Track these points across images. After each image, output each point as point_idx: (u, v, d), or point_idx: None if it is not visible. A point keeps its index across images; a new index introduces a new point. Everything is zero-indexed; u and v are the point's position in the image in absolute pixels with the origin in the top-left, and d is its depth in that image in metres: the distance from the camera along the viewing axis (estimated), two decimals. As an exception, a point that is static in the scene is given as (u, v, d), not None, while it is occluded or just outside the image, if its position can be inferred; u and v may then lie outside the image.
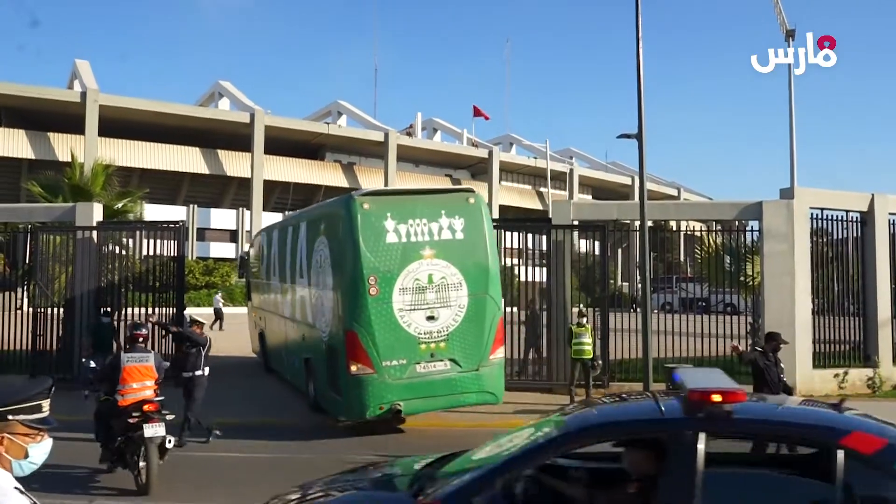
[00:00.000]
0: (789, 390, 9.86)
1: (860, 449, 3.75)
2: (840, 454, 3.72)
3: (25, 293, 17.94)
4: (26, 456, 2.45)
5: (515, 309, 16.43)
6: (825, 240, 16.80)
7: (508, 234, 17.07)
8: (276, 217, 51.74)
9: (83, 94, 46.71)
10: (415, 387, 10.81)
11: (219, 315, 29.25)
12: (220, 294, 33.36)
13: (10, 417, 2.42)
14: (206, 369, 11.23)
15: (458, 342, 11.07)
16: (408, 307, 10.81)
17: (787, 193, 16.01)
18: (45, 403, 2.50)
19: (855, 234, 16.64)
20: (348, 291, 10.86)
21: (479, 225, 11.43)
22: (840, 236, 16.77)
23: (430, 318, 10.94)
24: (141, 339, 9.35)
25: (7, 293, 19.58)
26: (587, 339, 14.32)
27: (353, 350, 10.63)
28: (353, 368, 10.56)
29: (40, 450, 2.49)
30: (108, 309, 15.51)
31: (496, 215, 57.52)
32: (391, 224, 10.87)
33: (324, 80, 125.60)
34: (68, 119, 45.88)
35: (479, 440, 4.95)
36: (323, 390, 12.13)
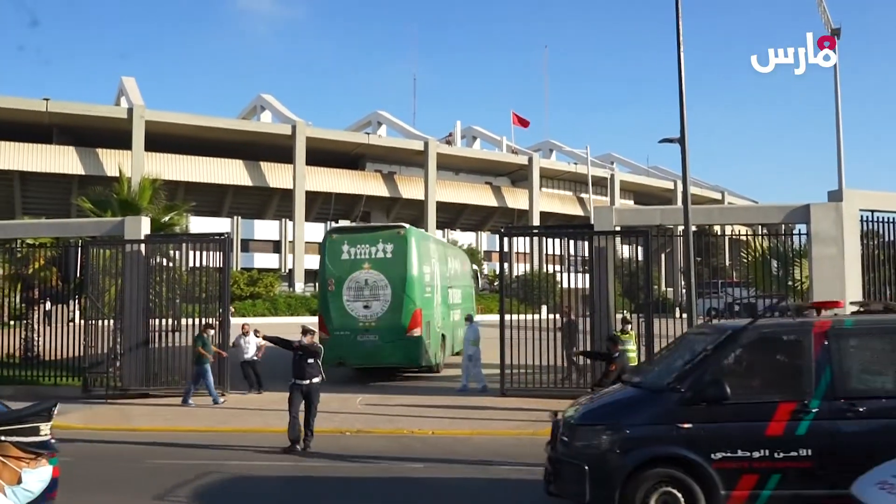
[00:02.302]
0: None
1: None
2: None
3: (77, 306, 18.38)
4: (20, 481, 2.28)
5: (557, 316, 16.31)
6: (876, 242, 16.35)
7: (550, 241, 16.94)
8: (318, 227, 52.68)
9: (130, 111, 47.85)
10: (355, 349, 17.01)
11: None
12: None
13: (1, 439, 2.26)
14: (322, 376, 11.61)
15: (384, 323, 17.03)
16: (352, 299, 17.20)
17: (835, 196, 15.63)
18: (45, 427, 2.33)
19: (908, 237, 16.16)
20: (321, 289, 18.18)
21: (404, 249, 17.30)
22: (892, 238, 16.30)
23: (366, 306, 17.16)
24: None
25: (60, 305, 20.11)
26: (632, 346, 14.20)
27: (321, 325, 17.08)
28: (323, 336, 15.29)
29: (35, 476, 2.31)
30: (210, 322, 16.08)
31: (537, 222, 57.44)
32: (346, 248, 17.41)
33: (363, 91, 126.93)
34: (116, 135, 47.02)
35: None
36: None
